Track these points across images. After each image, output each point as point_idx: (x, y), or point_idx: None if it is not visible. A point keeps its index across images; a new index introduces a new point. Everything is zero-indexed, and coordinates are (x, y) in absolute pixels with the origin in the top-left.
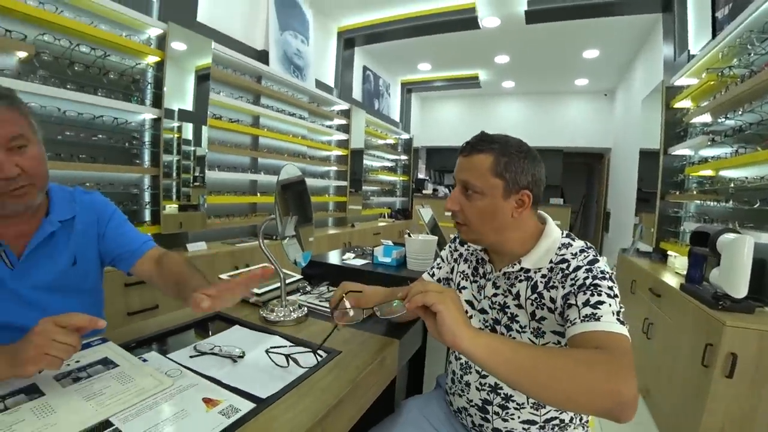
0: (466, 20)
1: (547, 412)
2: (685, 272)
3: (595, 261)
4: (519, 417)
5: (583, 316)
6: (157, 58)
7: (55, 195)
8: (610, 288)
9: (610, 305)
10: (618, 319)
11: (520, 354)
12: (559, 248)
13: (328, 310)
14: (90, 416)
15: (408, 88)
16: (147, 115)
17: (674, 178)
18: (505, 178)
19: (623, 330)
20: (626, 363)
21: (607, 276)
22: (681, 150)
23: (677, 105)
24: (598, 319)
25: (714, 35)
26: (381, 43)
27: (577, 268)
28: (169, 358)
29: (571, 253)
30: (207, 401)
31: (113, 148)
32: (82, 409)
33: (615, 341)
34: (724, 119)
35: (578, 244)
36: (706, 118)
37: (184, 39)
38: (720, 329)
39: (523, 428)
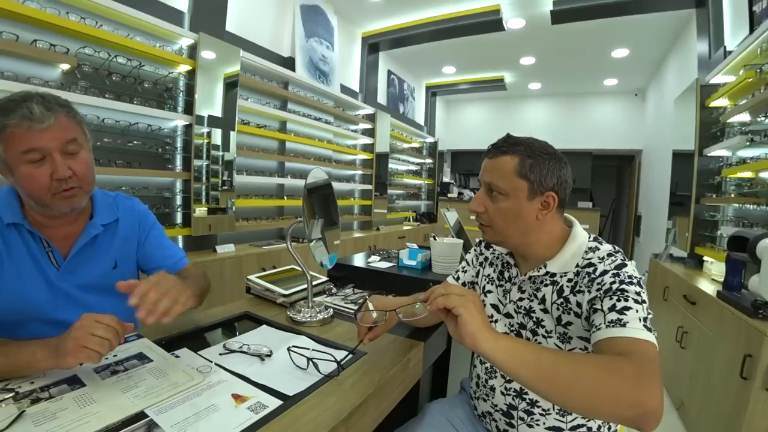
0: (491, 22)
1: (574, 419)
2: (722, 279)
3: (622, 265)
4: (544, 423)
5: (608, 322)
6: (188, 67)
7: (99, 200)
8: (638, 293)
9: (636, 311)
10: (645, 326)
11: (540, 358)
12: (586, 252)
13: (354, 312)
14: (127, 407)
15: (433, 92)
16: (179, 121)
17: (710, 180)
18: (529, 180)
19: (650, 337)
20: (651, 371)
21: (635, 281)
22: (717, 151)
23: (713, 104)
24: (623, 325)
25: (752, 30)
26: (405, 48)
27: (604, 272)
28: (200, 355)
29: (598, 257)
30: (236, 397)
31: (147, 153)
32: (119, 400)
33: (641, 348)
34: (763, 118)
35: (605, 247)
36: (744, 117)
37: (213, 48)
38: (760, 339)
39: None
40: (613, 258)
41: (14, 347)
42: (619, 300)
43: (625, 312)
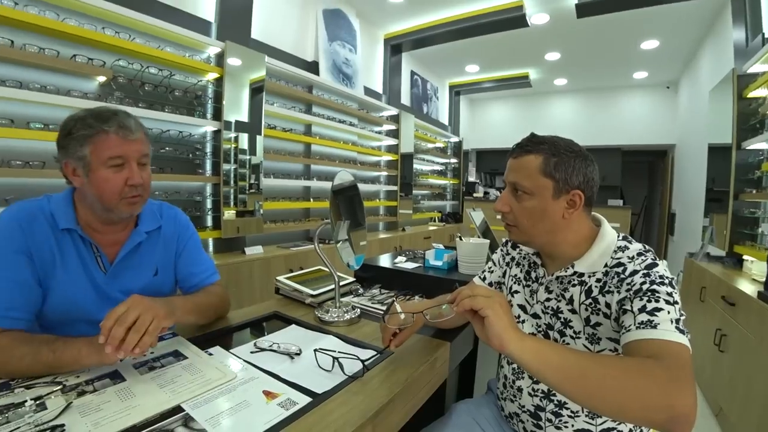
0: (514, 19)
1: (604, 422)
2: (764, 279)
3: (653, 265)
4: (573, 426)
5: (638, 323)
6: (216, 75)
7: (145, 207)
8: (669, 294)
9: (668, 312)
10: (677, 327)
11: (568, 360)
12: (615, 251)
13: (381, 312)
14: (164, 401)
15: (456, 91)
16: (208, 127)
17: (750, 174)
18: (554, 178)
19: (682, 339)
20: (684, 375)
21: (667, 281)
22: (757, 144)
23: (751, 94)
24: (654, 327)
25: None
26: (427, 48)
27: (634, 272)
28: (231, 353)
29: (628, 257)
30: (267, 393)
31: (179, 159)
32: (157, 395)
33: (673, 350)
34: None
35: (635, 246)
36: None
37: (239, 55)
38: None
39: None
40: (643, 257)
41: (61, 344)
42: (649, 301)
43: (656, 313)
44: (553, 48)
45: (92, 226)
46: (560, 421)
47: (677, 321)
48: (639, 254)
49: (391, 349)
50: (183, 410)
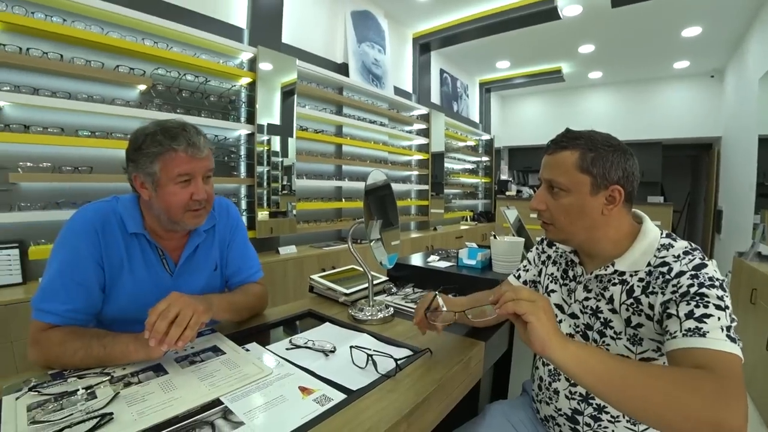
0: (545, 12)
1: (646, 429)
2: None
3: (702, 265)
4: (613, 431)
5: (685, 330)
6: (249, 79)
7: None
8: (720, 298)
9: (718, 318)
10: (728, 335)
11: (611, 368)
12: (659, 249)
13: (413, 310)
14: (204, 394)
15: (487, 88)
16: (242, 130)
17: None
18: (592, 174)
19: (734, 348)
20: (734, 388)
21: (717, 284)
22: None
23: None
24: (703, 335)
25: None
26: (456, 45)
27: (681, 273)
28: (268, 349)
29: (673, 256)
30: (303, 389)
31: (215, 162)
32: (197, 388)
33: (723, 361)
34: None
35: (680, 244)
36: None
37: (271, 60)
38: None
39: None
40: (690, 257)
41: (110, 340)
42: (697, 306)
43: (705, 320)
44: (587, 40)
45: (157, 232)
46: (599, 425)
47: (728, 328)
48: (686, 253)
49: (422, 330)
50: (222, 403)
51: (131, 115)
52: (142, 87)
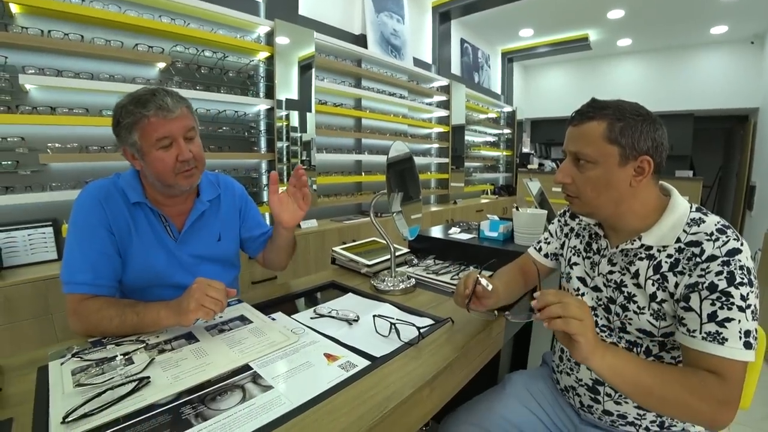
0: None
1: None
2: None
3: (736, 251)
4: (633, 402)
5: (705, 333)
6: (267, 54)
7: (203, 179)
8: (745, 297)
9: (739, 321)
10: (746, 342)
11: (639, 378)
12: (689, 224)
13: (438, 282)
14: (234, 359)
15: (509, 58)
16: (262, 106)
17: None
18: (621, 144)
19: (748, 356)
20: (736, 396)
21: (746, 279)
22: None
23: None
24: (722, 342)
25: None
26: (478, 13)
27: (712, 257)
28: (293, 318)
29: (706, 234)
30: (328, 356)
31: (235, 137)
32: (227, 354)
33: (734, 371)
34: None
35: (712, 219)
36: None
37: (288, 33)
38: None
39: (638, 414)
40: (725, 238)
41: (143, 308)
42: (721, 307)
43: (726, 324)
44: (617, 4)
45: (158, 200)
46: (620, 396)
47: (747, 333)
48: (720, 231)
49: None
50: (251, 368)
51: (131, 93)
52: (162, 65)
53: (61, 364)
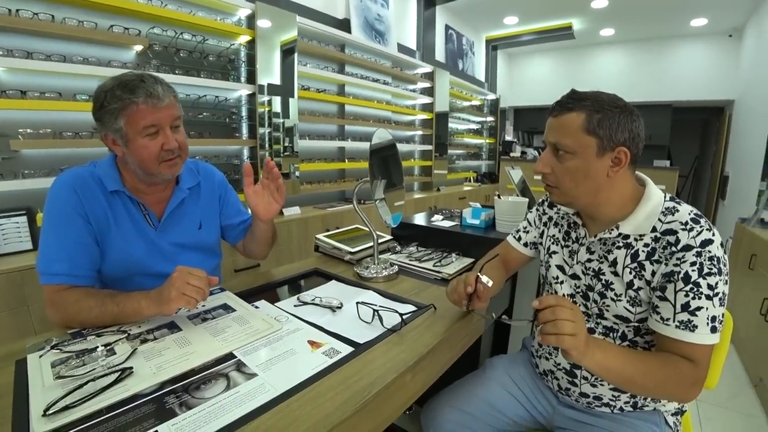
0: None
1: None
2: None
3: (708, 242)
4: (608, 384)
5: (678, 321)
6: (248, 38)
7: (183, 166)
8: (713, 286)
9: (707, 309)
10: (713, 327)
11: (624, 371)
12: (663, 213)
13: (420, 269)
14: (218, 348)
15: (493, 45)
16: (243, 91)
17: None
18: (598, 135)
19: (714, 339)
20: (704, 375)
21: (715, 268)
22: None
23: None
24: (692, 330)
25: None
26: None
27: (687, 247)
28: (277, 306)
29: (680, 223)
30: (312, 343)
31: (216, 123)
32: (211, 343)
33: (703, 354)
34: None
35: (685, 209)
36: None
37: (270, 16)
38: None
39: (613, 395)
40: (698, 228)
41: (123, 297)
42: (693, 298)
43: (696, 313)
44: None
45: (137, 188)
46: (596, 379)
47: (713, 318)
48: (694, 221)
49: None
50: (235, 357)
51: (116, 76)
52: (139, 47)
53: (40, 356)
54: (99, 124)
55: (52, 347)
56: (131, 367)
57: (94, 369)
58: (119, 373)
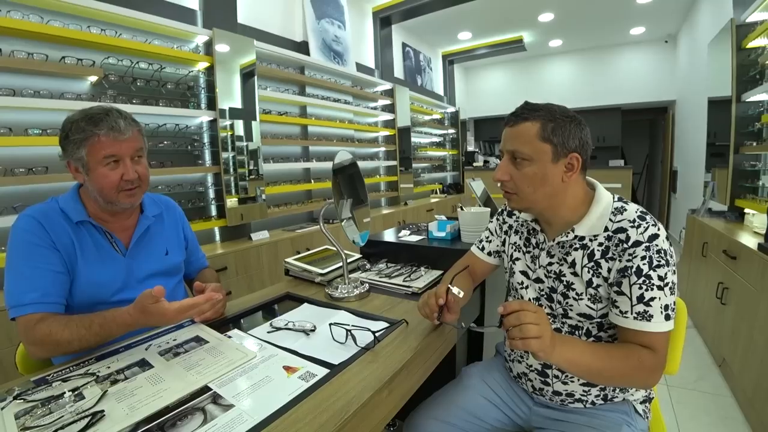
0: None
1: None
2: (764, 231)
3: (654, 236)
4: (578, 380)
5: (635, 313)
6: (206, 64)
7: (145, 198)
8: (663, 277)
9: (659, 299)
10: (666, 315)
11: (592, 364)
12: (613, 213)
13: (390, 285)
14: (192, 382)
15: (450, 60)
16: (204, 117)
17: (750, 127)
18: (553, 142)
19: (669, 326)
20: (664, 361)
21: (663, 259)
22: (757, 95)
23: (750, 44)
24: (648, 319)
25: None
26: (418, 18)
27: (637, 243)
28: (250, 334)
29: (629, 221)
30: (287, 368)
31: (178, 152)
32: (185, 377)
33: (660, 341)
34: None
35: (632, 207)
36: None
37: (228, 42)
38: None
39: (584, 390)
40: (645, 225)
41: (111, 313)
42: (646, 290)
43: (651, 304)
44: (546, 8)
45: (101, 217)
46: (566, 376)
47: (666, 306)
48: (641, 218)
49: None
50: (210, 389)
51: (84, 109)
52: (93, 78)
53: (2, 408)
54: (64, 153)
55: (15, 397)
56: (102, 411)
57: (62, 416)
58: (89, 417)
